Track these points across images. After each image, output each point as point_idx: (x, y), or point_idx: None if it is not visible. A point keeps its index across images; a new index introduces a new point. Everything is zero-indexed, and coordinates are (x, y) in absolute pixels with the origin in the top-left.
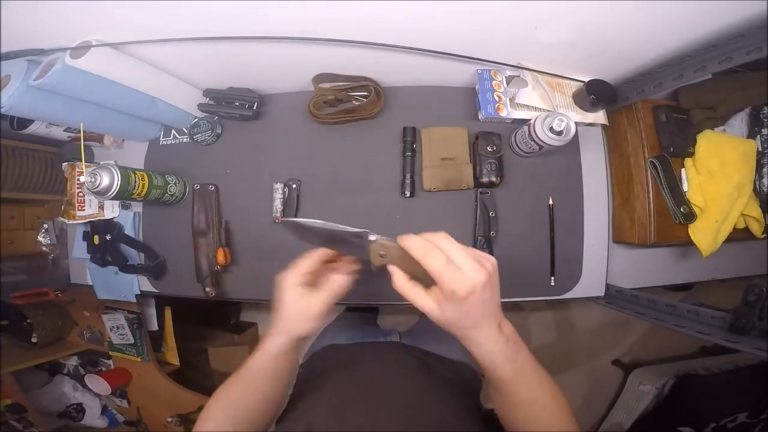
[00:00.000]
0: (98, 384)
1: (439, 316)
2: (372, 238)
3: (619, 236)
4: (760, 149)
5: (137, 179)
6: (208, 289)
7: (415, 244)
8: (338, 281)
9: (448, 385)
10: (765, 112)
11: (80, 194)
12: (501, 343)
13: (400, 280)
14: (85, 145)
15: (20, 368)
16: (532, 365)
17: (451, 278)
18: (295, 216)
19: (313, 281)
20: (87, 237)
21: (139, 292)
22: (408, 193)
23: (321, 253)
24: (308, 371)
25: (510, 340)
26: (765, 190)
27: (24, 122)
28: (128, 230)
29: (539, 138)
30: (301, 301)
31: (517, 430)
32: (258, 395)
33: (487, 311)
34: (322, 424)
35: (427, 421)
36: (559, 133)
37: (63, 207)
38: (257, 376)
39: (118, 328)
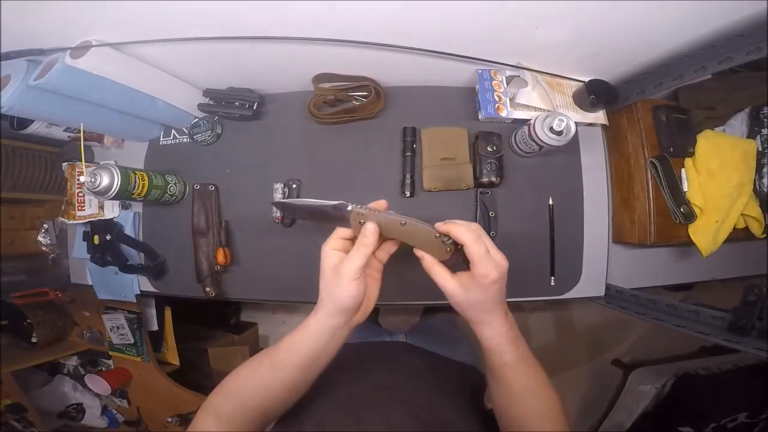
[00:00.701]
0: (98, 384)
1: (461, 297)
2: (349, 207)
3: (619, 236)
4: (760, 149)
5: (137, 179)
6: (208, 289)
7: (462, 229)
8: (369, 229)
9: (454, 386)
10: (765, 112)
11: (80, 194)
12: (506, 328)
13: (429, 262)
14: (85, 145)
15: (20, 368)
16: (529, 353)
17: (489, 264)
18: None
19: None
20: (87, 237)
21: (139, 292)
22: (408, 193)
23: None
24: None
25: (512, 327)
26: (765, 190)
27: (24, 122)
28: (128, 230)
29: (539, 138)
30: (336, 264)
31: (513, 430)
32: (285, 378)
33: (501, 298)
34: (335, 422)
35: (440, 422)
36: (559, 133)
37: (63, 207)
38: (292, 354)
39: (118, 328)
